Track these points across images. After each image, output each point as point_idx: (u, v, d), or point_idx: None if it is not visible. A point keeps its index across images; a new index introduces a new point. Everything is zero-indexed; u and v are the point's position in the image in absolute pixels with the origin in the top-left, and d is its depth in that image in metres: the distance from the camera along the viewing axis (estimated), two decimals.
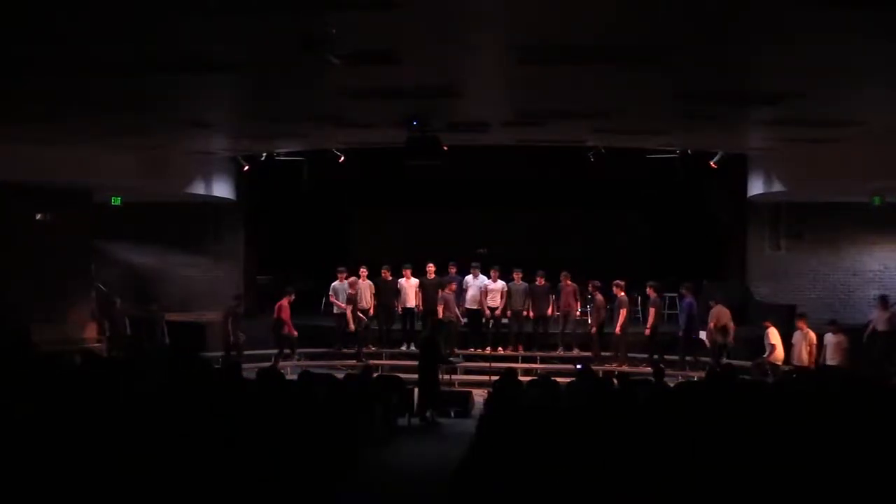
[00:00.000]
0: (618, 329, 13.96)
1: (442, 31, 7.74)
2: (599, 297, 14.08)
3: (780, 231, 15.98)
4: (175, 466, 5.35)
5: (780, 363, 12.69)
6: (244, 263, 16.82)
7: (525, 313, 14.66)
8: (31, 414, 6.53)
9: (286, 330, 13.93)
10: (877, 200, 14.15)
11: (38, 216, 14.47)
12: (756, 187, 15.17)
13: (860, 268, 15.81)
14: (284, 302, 14.00)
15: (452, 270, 15.02)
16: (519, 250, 15.46)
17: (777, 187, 14.65)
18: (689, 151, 14.41)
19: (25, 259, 13.86)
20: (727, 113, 11.35)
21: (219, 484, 5.27)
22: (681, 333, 13.86)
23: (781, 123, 11.82)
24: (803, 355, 12.36)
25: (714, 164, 14.34)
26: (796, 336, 12.59)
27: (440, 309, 14.39)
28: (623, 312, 13.91)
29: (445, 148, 11.76)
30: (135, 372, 9.32)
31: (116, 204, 15.77)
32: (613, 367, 13.79)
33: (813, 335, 12.42)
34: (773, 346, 12.78)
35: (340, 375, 11.43)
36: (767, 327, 12.95)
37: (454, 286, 14.57)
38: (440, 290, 14.75)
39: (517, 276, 14.71)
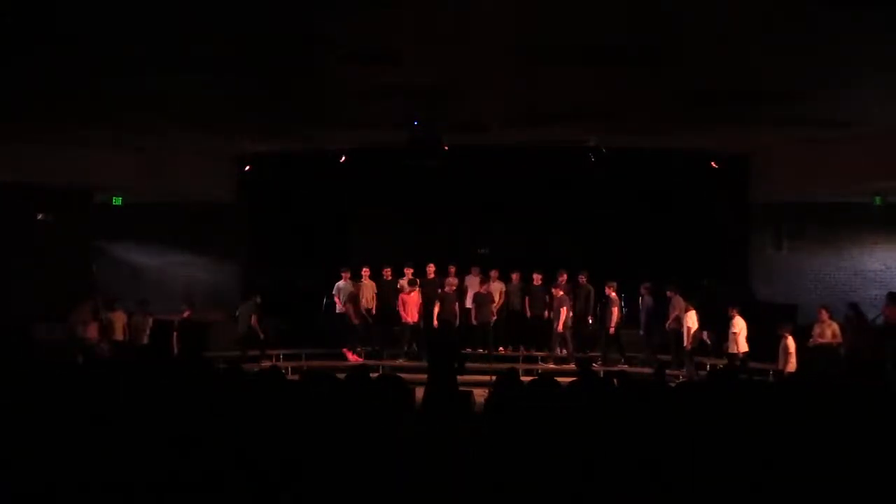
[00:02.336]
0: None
1: (444, 30, 7.75)
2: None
3: (781, 231, 15.95)
4: (174, 466, 5.33)
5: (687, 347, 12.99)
6: (244, 263, 16.80)
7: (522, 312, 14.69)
8: (31, 414, 6.52)
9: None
10: (878, 200, 14.17)
11: (39, 216, 14.46)
12: (758, 187, 15.16)
13: (861, 268, 15.76)
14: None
15: (452, 271, 15.01)
16: (519, 250, 15.47)
17: (779, 187, 14.65)
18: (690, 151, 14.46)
19: (25, 259, 13.85)
20: (728, 113, 11.37)
21: (219, 484, 5.25)
22: (642, 332, 13.97)
23: (783, 124, 11.84)
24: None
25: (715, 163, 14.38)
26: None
27: (435, 309, 14.30)
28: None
29: (446, 148, 11.76)
30: (135, 372, 9.29)
31: (117, 204, 15.77)
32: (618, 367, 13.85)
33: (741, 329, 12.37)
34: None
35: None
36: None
37: (455, 284, 14.50)
38: (439, 290, 14.78)
39: (515, 276, 14.72)
